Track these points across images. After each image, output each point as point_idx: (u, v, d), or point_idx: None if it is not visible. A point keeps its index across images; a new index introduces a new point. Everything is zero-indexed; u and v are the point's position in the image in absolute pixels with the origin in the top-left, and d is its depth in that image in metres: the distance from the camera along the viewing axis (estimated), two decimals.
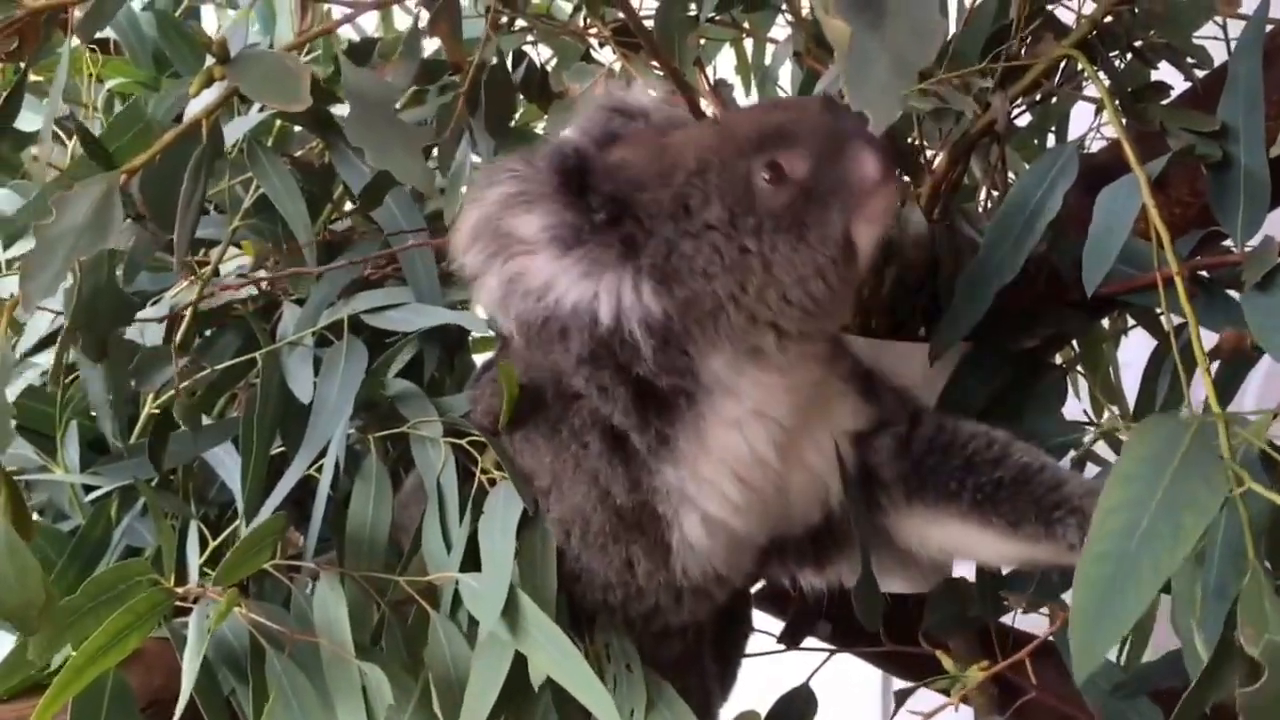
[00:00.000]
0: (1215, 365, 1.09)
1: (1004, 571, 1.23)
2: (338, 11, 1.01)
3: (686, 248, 0.99)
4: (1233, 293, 1.10)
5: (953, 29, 1.32)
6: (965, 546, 1.15)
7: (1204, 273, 1.12)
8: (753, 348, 1.03)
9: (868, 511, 1.15)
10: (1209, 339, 1.10)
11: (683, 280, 1.00)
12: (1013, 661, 1.09)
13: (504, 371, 1.10)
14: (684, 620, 1.16)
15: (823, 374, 1.11)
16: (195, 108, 0.93)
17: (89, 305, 1.07)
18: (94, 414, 1.26)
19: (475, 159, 1.24)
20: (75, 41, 1.04)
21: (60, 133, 1.42)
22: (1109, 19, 1.25)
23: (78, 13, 0.91)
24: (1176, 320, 1.14)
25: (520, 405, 1.11)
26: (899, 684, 1.42)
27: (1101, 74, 1.17)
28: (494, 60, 0.94)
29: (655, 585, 1.12)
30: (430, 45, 1.25)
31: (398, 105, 1.27)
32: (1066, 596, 1.19)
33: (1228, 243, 1.12)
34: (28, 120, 1.30)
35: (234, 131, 1.25)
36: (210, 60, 0.90)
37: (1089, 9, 1.26)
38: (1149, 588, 0.75)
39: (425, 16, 1.06)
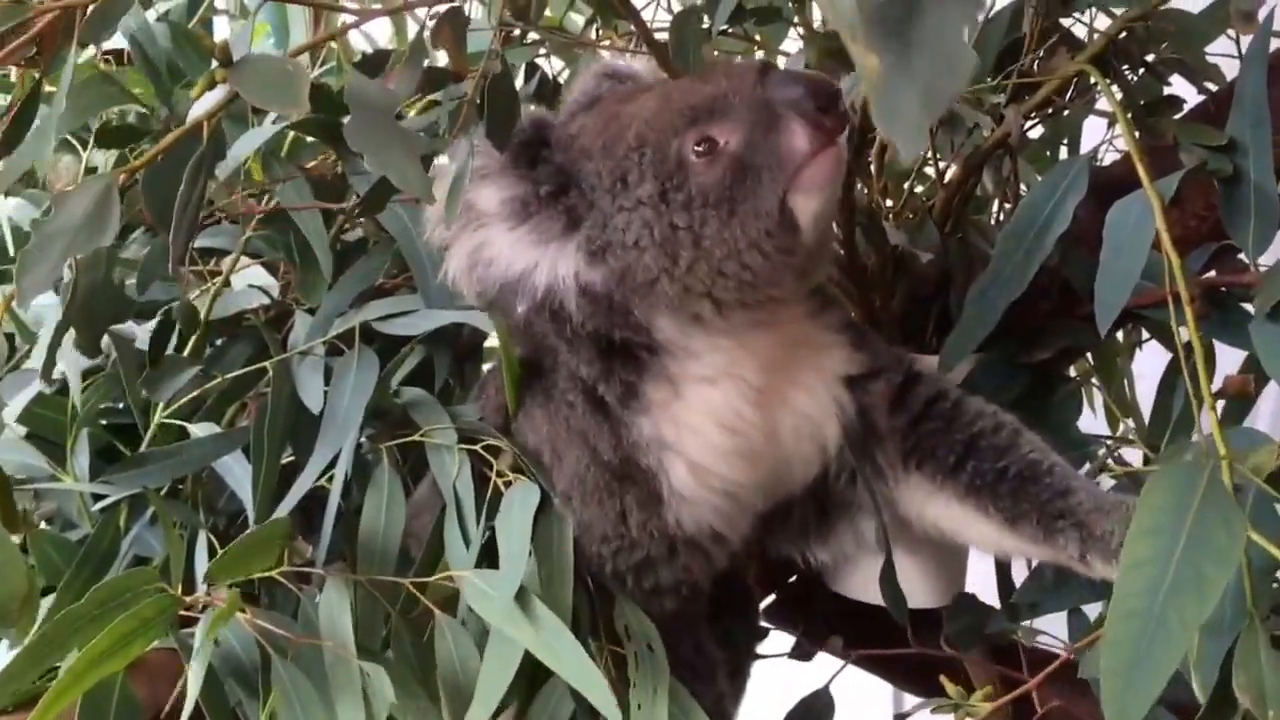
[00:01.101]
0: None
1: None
2: (348, 20, 1.01)
3: (619, 221, 1.02)
4: (1248, 306, 1.09)
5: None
6: (960, 530, 1.15)
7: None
8: (693, 315, 1.04)
9: (869, 478, 1.16)
10: (1224, 355, 1.10)
11: (616, 252, 1.02)
12: (1030, 686, 1.08)
13: (505, 358, 1.13)
14: (678, 577, 1.15)
15: (799, 330, 1.12)
16: (197, 110, 0.93)
17: (85, 302, 1.08)
18: (103, 422, 1.26)
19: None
20: (89, 48, 1.04)
21: (75, 142, 1.42)
22: (1123, 34, 1.25)
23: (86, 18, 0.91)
24: (1189, 336, 1.16)
25: (521, 386, 1.15)
26: (910, 699, 1.41)
27: (1114, 88, 1.17)
28: (498, 69, 0.94)
29: (648, 536, 1.12)
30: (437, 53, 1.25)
31: (411, 114, 1.28)
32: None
33: (1243, 255, 1.12)
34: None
35: (248, 143, 1.25)
36: (214, 65, 0.90)
37: (1101, 23, 1.26)
38: (1178, 644, 0.75)
39: (429, 25, 1.07)
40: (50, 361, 1.16)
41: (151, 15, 1.47)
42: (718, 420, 1.09)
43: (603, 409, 1.10)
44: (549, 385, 1.12)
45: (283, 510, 1.14)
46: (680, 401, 1.08)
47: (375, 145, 0.89)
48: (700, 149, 1.00)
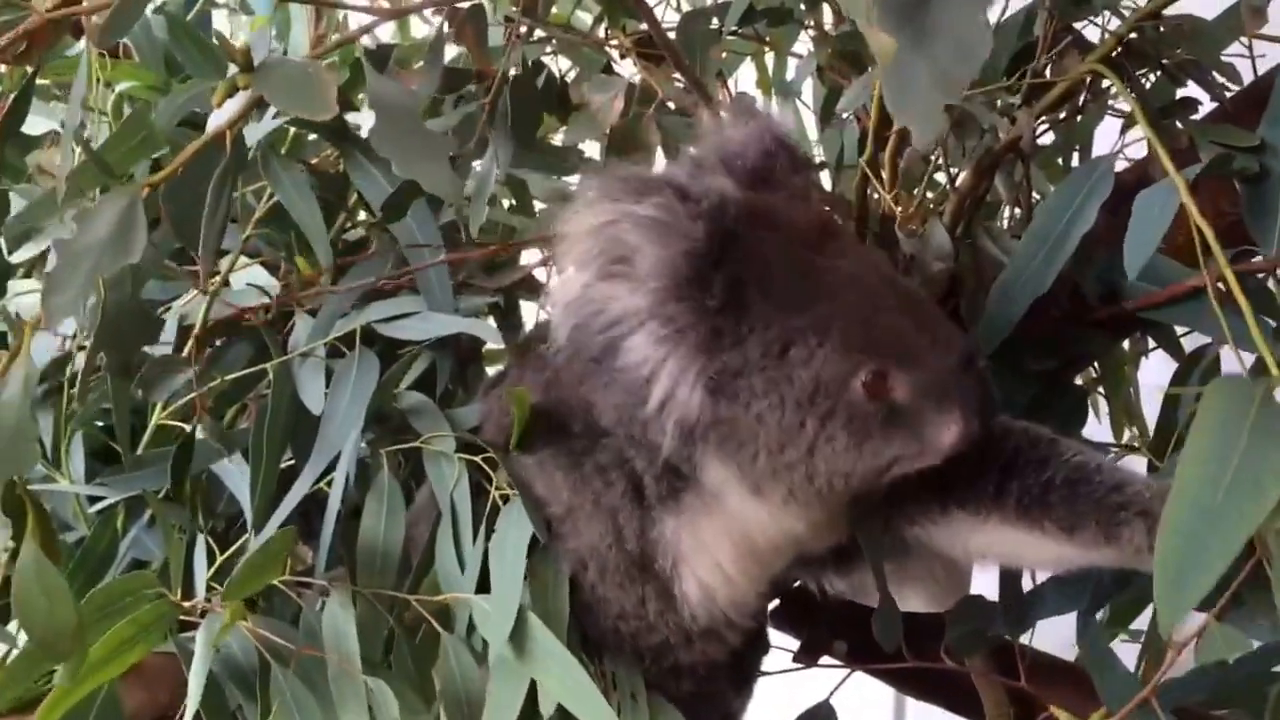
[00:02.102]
0: None
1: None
2: (355, 20, 0.99)
3: (758, 383, 0.97)
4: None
5: None
6: (1017, 553, 1.11)
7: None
8: (758, 487, 1.02)
9: (899, 525, 1.13)
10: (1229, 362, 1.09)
11: (736, 404, 0.97)
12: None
13: (513, 395, 1.08)
14: (697, 659, 1.15)
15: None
16: (219, 119, 0.90)
17: (113, 322, 1.05)
18: (99, 424, 1.24)
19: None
20: (82, 41, 1.02)
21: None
22: (1135, 36, 1.24)
23: (95, 20, 0.89)
24: (1201, 341, 1.15)
25: (537, 428, 1.10)
26: (913, 704, 1.40)
27: (1128, 90, 1.16)
28: (517, 70, 0.92)
29: (665, 624, 1.11)
30: (451, 52, 1.23)
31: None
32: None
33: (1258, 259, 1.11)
34: (33, 124, 1.29)
35: (249, 137, 1.23)
36: (232, 69, 0.87)
37: (1116, 26, 1.25)
38: (1236, 536, 0.74)
39: (446, 25, 1.05)
40: (85, 387, 1.14)
41: (149, 9, 1.45)
42: (735, 547, 1.08)
43: (640, 497, 1.07)
44: (579, 450, 1.08)
45: (280, 514, 1.13)
46: (709, 520, 1.06)
47: (403, 149, 0.87)
48: (868, 379, 0.96)
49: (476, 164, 1.24)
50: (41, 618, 0.89)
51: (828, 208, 1.20)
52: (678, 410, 0.97)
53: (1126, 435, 1.48)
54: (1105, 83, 1.29)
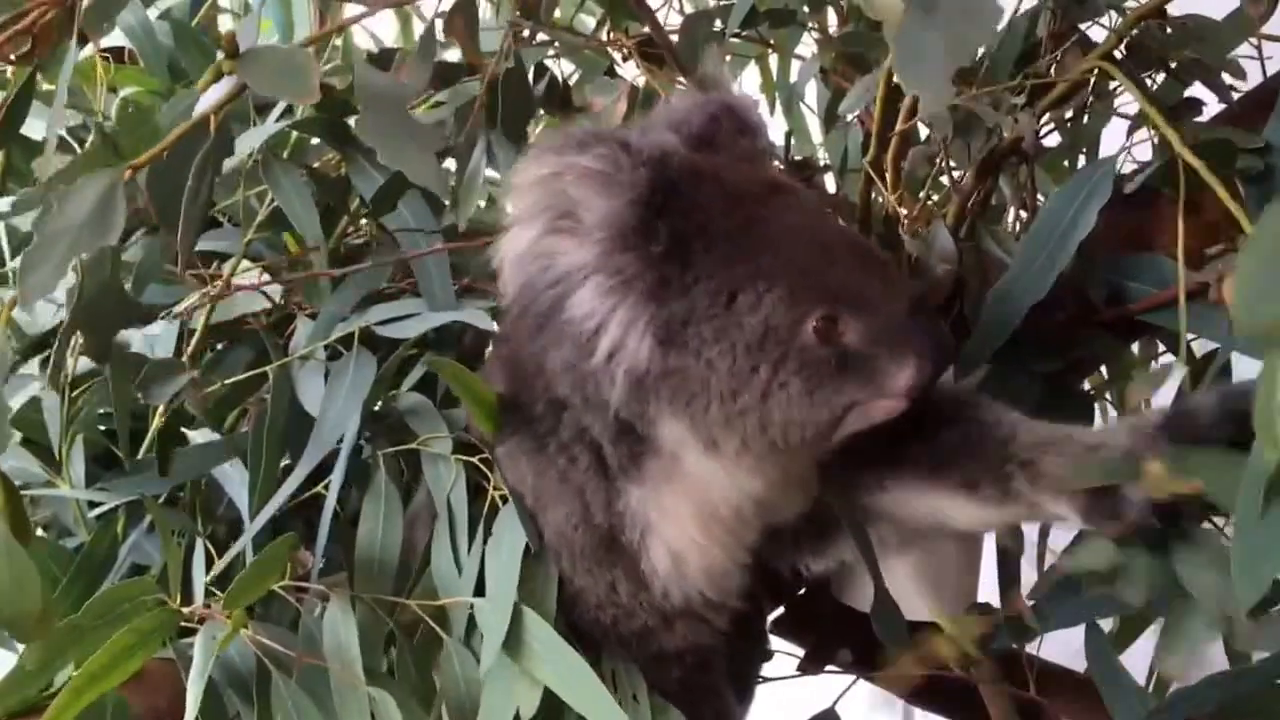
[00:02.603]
0: None
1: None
2: (352, 12, 0.99)
3: (707, 331, 0.96)
4: None
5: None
6: (944, 517, 1.09)
7: None
8: (711, 440, 1.00)
9: (855, 495, 1.11)
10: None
11: (685, 353, 0.96)
12: None
13: (441, 366, 1.07)
14: (680, 644, 1.13)
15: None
16: (204, 104, 0.90)
17: (91, 305, 1.04)
18: (100, 427, 1.24)
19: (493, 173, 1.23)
20: (87, 46, 1.02)
21: (73, 142, 1.40)
22: (1139, 35, 1.23)
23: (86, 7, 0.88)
24: (1211, 345, 1.13)
25: (506, 414, 1.09)
26: (920, 714, 1.39)
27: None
28: (511, 64, 0.91)
29: (639, 607, 1.09)
30: (447, 48, 1.23)
31: (416, 113, 1.26)
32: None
33: None
34: (39, 129, 1.29)
35: (249, 141, 1.23)
36: (220, 56, 0.87)
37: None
38: None
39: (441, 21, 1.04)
40: (59, 367, 1.13)
41: (153, 13, 1.45)
42: (700, 514, 1.06)
43: (604, 469, 1.06)
44: (541, 431, 1.07)
45: (267, 512, 1.12)
46: (670, 485, 1.05)
47: (388, 140, 0.86)
48: (819, 324, 0.95)
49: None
50: (9, 599, 0.88)
51: (830, 208, 1.18)
52: (627, 360, 0.96)
53: None
54: (1112, 84, 1.28)
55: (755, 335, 0.95)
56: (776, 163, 1.11)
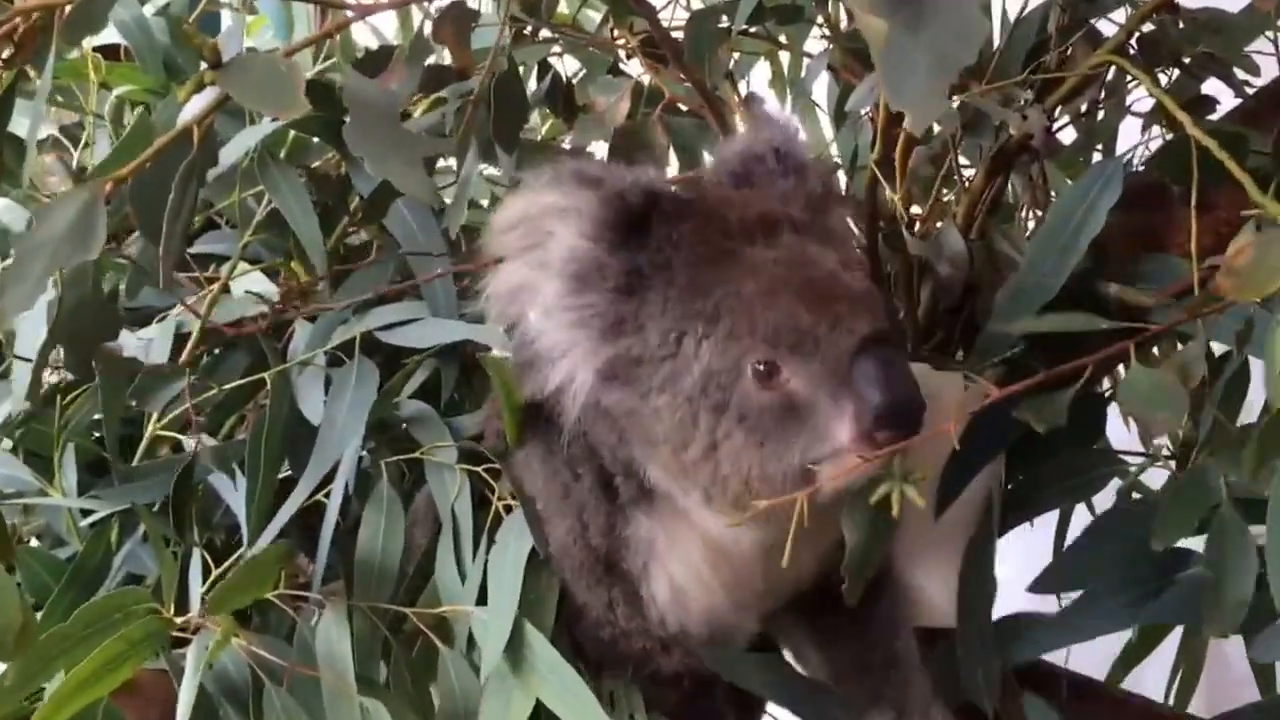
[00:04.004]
0: None
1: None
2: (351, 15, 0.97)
3: (655, 375, 0.94)
4: None
5: (996, 41, 1.29)
6: None
7: None
8: (680, 487, 0.98)
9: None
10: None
11: (635, 393, 0.95)
12: None
13: (498, 375, 1.07)
14: (678, 669, 1.10)
15: None
16: (186, 114, 0.88)
17: (71, 319, 1.03)
18: (94, 435, 1.22)
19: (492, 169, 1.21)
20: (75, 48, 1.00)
21: (66, 141, 1.38)
22: (1149, 28, 1.21)
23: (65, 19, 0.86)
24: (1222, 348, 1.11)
25: (526, 422, 1.08)
26: None
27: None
28: (505, 67, 0.90)
29: (636, 630, 1.08)
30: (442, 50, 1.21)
31: (417, 112, 1.24)
32: None
33: None
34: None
35: (244, 141, 1.21)
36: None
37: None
38: None
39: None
40: (36, 383, 1.12)
41: (149, 10, 1.43)
42: (709, 551, 1.03)
43: (608, 493, 1.04)
44: (554, 441, 1.04)
45: (275, 526, 1.11)
46: (678, 517, 1.02)
47: (375, 148, 0.85)
48: (761, 368, 0.91)
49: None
50: None
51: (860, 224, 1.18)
52: (578, 396, 0.96)
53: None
54: (1126, 80, 1.25)
55: (697, 382, 0.93)
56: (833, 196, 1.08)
